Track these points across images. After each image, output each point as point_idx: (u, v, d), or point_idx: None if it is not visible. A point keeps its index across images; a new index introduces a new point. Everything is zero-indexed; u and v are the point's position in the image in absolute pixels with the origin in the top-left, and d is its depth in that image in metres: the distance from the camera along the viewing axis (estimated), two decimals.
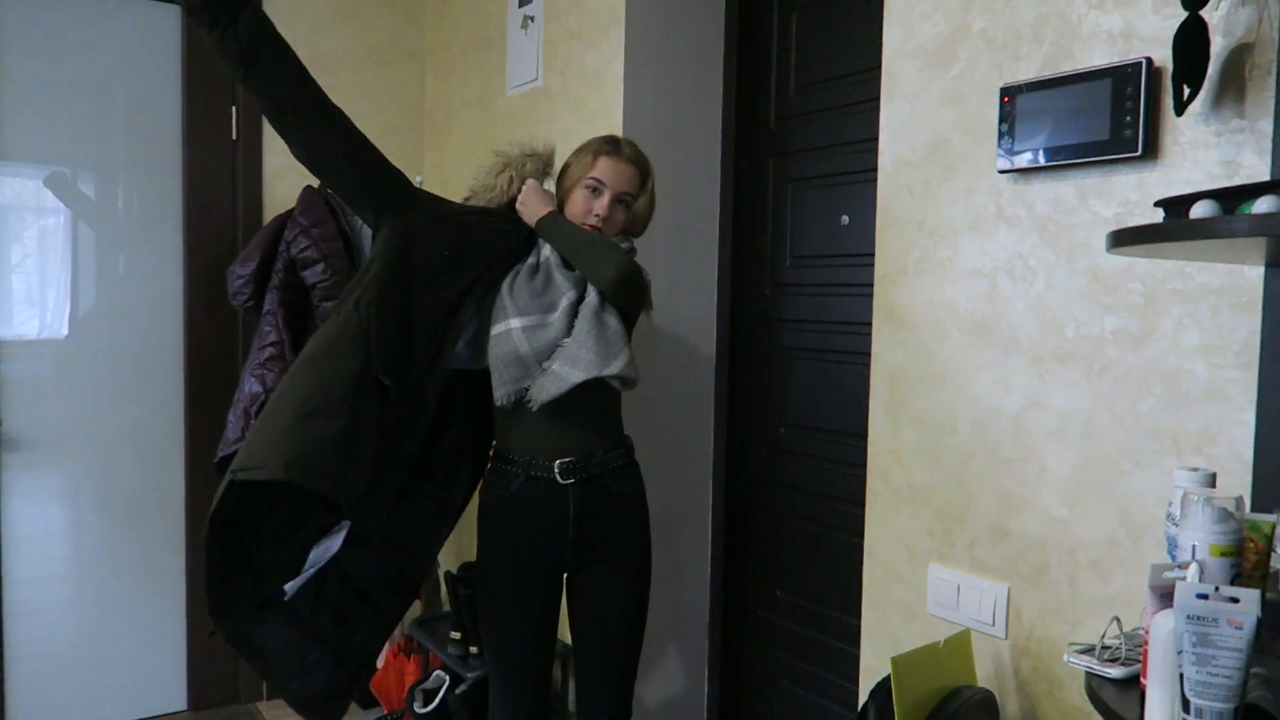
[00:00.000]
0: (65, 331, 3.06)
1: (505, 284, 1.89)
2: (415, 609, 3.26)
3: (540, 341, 1.82)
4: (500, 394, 1.84)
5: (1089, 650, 1.18)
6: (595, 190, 1.91)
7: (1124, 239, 1.06)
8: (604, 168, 1.92)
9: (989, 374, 1.68)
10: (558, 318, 1.85)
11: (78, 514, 3.09)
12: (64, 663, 3.05)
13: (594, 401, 1.89)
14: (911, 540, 1.83)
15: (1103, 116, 1.46)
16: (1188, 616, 0.88)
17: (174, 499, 3.19)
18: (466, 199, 2.06)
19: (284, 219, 2.83)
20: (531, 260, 1.92)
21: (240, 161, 3.21)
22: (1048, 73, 1.56)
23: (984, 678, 1.66)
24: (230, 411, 2.70)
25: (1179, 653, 0.88)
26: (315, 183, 2.95)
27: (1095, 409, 1.52)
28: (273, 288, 2.74)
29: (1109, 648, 1.16)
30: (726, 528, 2.72)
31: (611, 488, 1.94)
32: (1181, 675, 0.88)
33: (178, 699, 3.24)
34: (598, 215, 1.89)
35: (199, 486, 3.17)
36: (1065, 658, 1.19)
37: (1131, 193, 1.46)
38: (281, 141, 3.30)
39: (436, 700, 2.69)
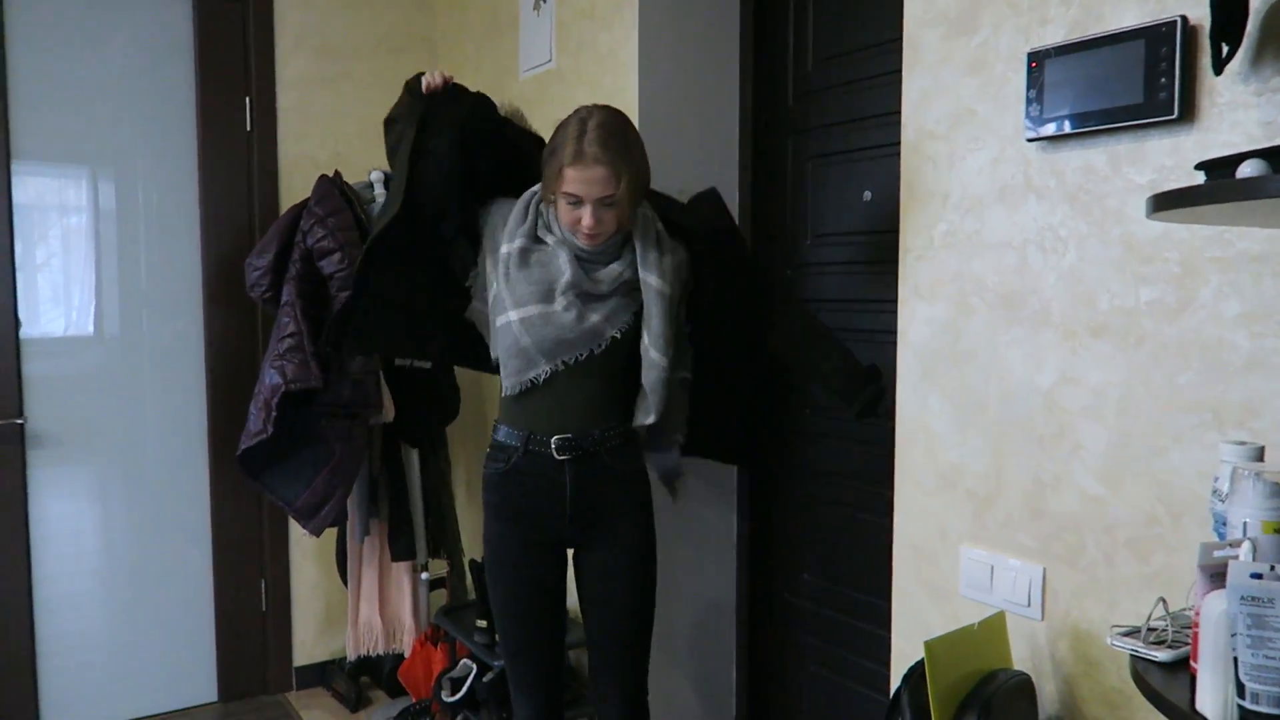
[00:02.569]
0: (90, 329, 3.06)
1: (500, 272, 1.86)
2: (441, 598, 3.26)
3: (543, 334, 1.83)
4: (508, 384, 1.88)
5: (1133, 632, 1.14)
6: (575, 203, 1.79)
7: (1167, 202, 1.01)
8: (573, 180, 1.76)
9: (1020, 349, 1.63)
10: (559, 306, 1.84)
11: (104, 509, 3.10)
12: (95, 656, 3.07)
13: (598, 383, 1.90)
14: (942, 521, 1.79)
15: (1135, 79, 1.41)
16: (1241, 597, 0.84)
17: (199, 492, 3.20)
18: None
19: (300, 209, 2.81)
20: (521, 243, 1.86)
21: (255, 152, 3.20)
22: (1076, 35, 1.51)
23: (1019, 660, 1.62)
24: (251, 403, 2.69)
25: (1232, 635, 0.84)
26: (330, 171, 2.93)
27: (1131, 383, 1.47)
28: (290, 278, 2.72)
29: (1154, 629, 1.12)
30: (752, 511, 2.69)
31: (609, 465, 1.93)
32: (1236, 659, 0.84)
33: (208, 690, 3.26)
34: (587, 229, 1.79)
35: (222, 479, 3.18)
36: (1108, 640, 1.15)
37: (1166, 158, 1.41)
38: (296, 131, 3.31)
39: (464, 689, 2.69)
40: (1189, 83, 1.37)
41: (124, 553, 3.12)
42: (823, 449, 2.43)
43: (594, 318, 1.86)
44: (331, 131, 3.32)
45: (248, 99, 3.18)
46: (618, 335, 1.88)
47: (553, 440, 1.88)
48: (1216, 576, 0.93)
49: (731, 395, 2.11)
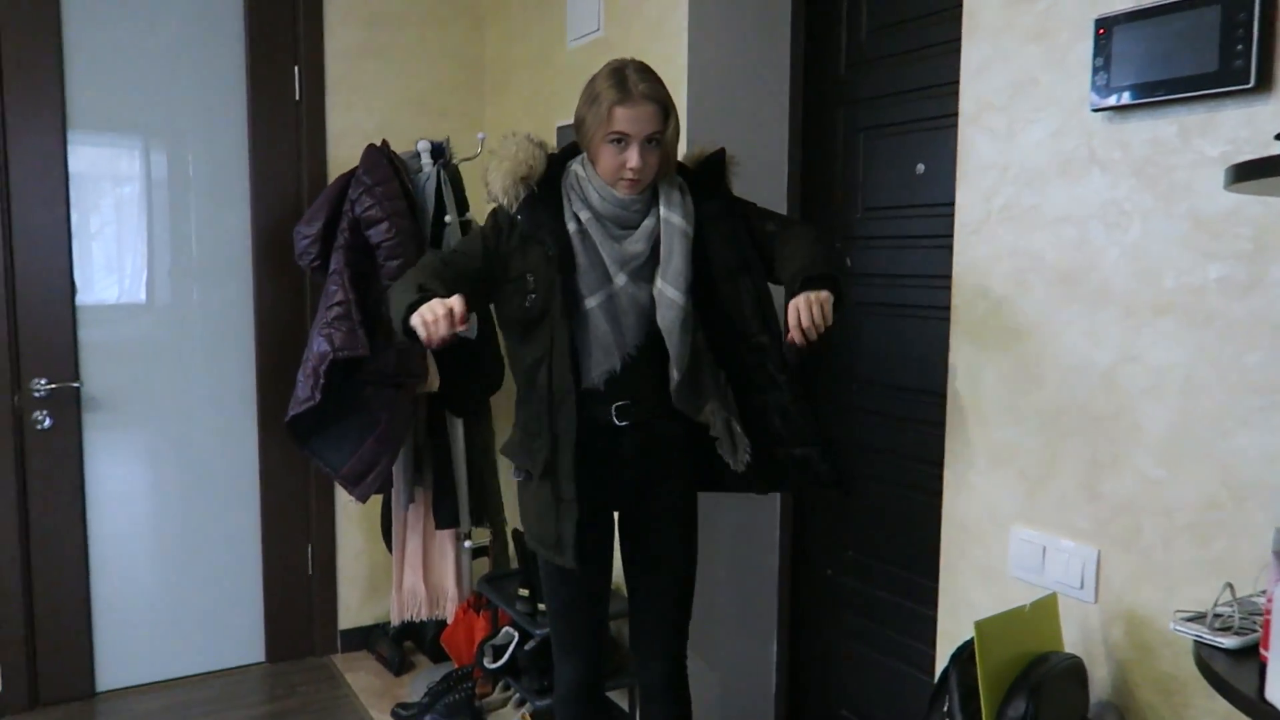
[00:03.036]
0: (143, 297, 3.11)
1: (579, 251, 1.83)
2: (484, 566, 3.28)
3: (610, 326, 1.84)
4: (594, 376, 1.85)
5: (1197, 618, 1.11)
6: (620, 142, 1.77)
7: (1248, 172, 0.97)
8: (622, 118, 1.75)
9: (1078, 327, 1.59)
10: (618, 290, 1.83)
11: (157, 472, 3.16)
12: (147, 615, 3.15)
13: (654, 355, 1.88)
14: (993, 501, 1.76)
15: (1210, 46, 1.35)
16: None
17: (248, 457, 3.25)
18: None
19: (348, 178, 2.82)
20: (574, 226, 1.83)
21: (304, 122, 3.21)
22: (1148, 1, 1.45)
23: (1070, 643, 1.59)
24: (300, 370, 2.72)
25: None
26: (378, 141, 2.94)
27: (1196, 363, 1.43)
28: (338, 247, 2.74)
29: (1220, 615, 1.09)
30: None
31: (662, 431, 1.93)
32: None
33: (256, 651, 3.33)
34: (632, 169, 1.77)
35: (271, 445, 3.22)
36: (1171, 625, 1.13)
37: (1241, 129, 1.36)
38: (344, 100, 3.31)
39: (506, 656, 2.71)
40: (1267, 50, 1.31)
41: (175, 515, 3.19)
42: (867, 424, 2.40)
43: (644, 296, 1.85)
44: (379, 101, 3.32)
45: (296, 69, 3.19)
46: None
47: (612, 407, 1.88)
48: None
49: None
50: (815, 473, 1.91)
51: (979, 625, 1.37)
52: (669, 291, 1.82)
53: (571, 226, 1.84)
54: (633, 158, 1.77)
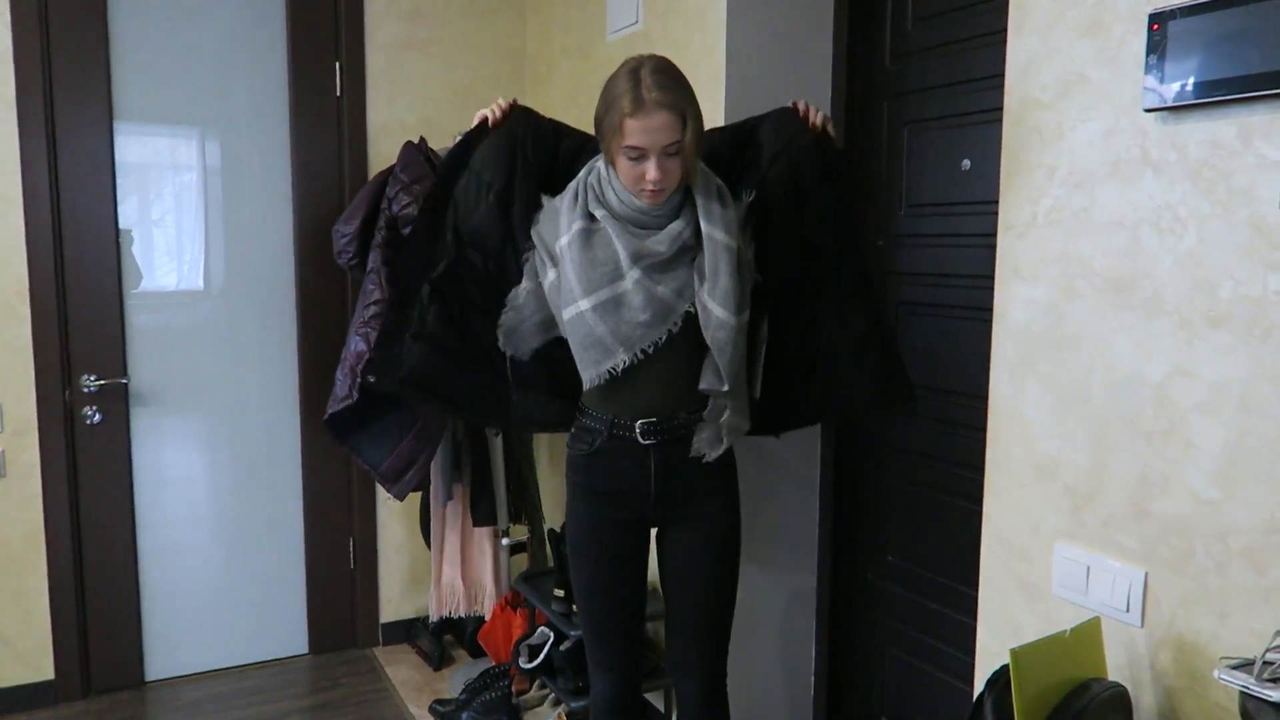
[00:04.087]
0: (200, 284, 3.15)
1: (565, 262, 1.78)
2: (522, 563, 3.28)
3: (616, 321, 1.76)
4: (587, 377, 1.81)
5: (1245, 665, 1.04)
6: (638, 158, 1.70)
7: None
8: (635, 131, 1.67)
9: (1128, 337, 1.51)
10: (629, 283, 1.75)
11: (203, 466, 3.21)
12: (194, 605, 3.20)
13: (679, 362, 1.82)
14: (1036, 516, 1.69)
15: (1274, 42, 1.27)
16: None
17: (292, 451, 3.28)
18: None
19: (386, 175, 2.82)
20: (580, 224, 1.77)
21: (345, 117, 3.22)
22: None
23: (1115, 668, 1.52)
24: (339, 368, 2.73)
25: None
26: (416, 138, 2.93)
27: (1255, 379, 1.34)
28: (376, 245, 2.74)
29: (1271, 664, 1.02)
30: (836, 490, 2.62)
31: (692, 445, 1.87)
32: None
33: (300, 643, 3.37)
34: (652, 182, 1.71)
35: (313, 439, 3.25)
36: (1215, 674, 1.06)
37: None
38: (385, 95, 3.31)
39: (541, 656, 2.70)
40: None
41: (221, 507, 3.23)
42: (912, 428, 2.33)
43: (662, 291, 1.76)
44: (420, 96, 3.31)
45: (338, 64, 3.20)
46: (691, 309, 1.79)
47: (637, 424, 1.84)
48: None
49: (846, 331, 1.95)
50: (894, 385, 1.95)
51: (1015, 653, 1.31)
52: (718, 311, 1.75)
53: (599, 214, 1.79)
54: (651, 170, 1.70)
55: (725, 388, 1.80)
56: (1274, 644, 1.06)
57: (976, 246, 2.11)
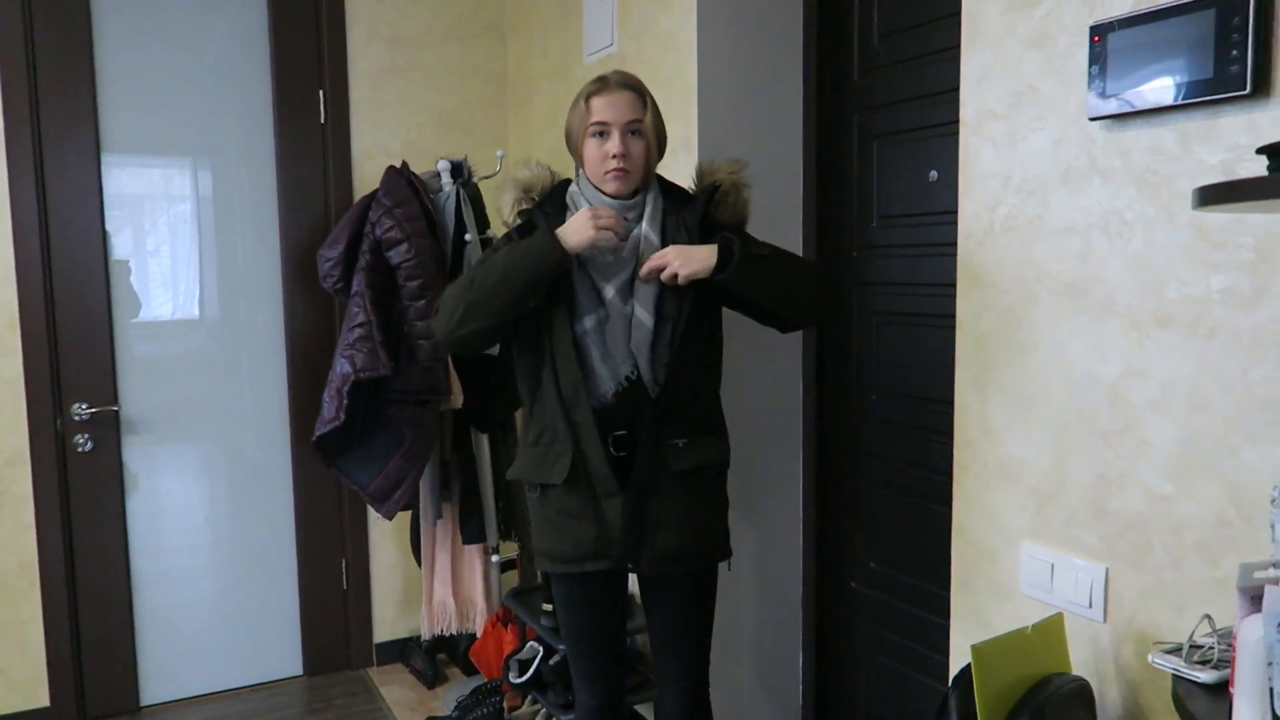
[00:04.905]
0: (196, 313, 3.20)
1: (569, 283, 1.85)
2: (513, 579, 3.31)
3: (603, 349, 1.83)
4: (592, 401, 1.83)
5: (1176, 650, 1.08)
6: (602, 134, 1.83)
7: (1212, 196, 0.94)
8: (599, 107, 1.83)
9: (1083, 340, 1.55)
10: (612, 303, 1.83)
11: (195, 491, 3.24)
12: (189, 631, 3.22)
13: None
14: (1002, 517, 1.72)
15: (1206, 51, 1.31)
16: (1279, 625, 0.78)
17: (283, 475, 3.31)
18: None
19: (369, 200, 2.86)
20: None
21: (330, 144, 3.27)
22: (1144, 6, 1.41)
23: (1080, 663, 1.55)
24: (325, 391, 2.77)
25: (1269, 665, 0.78)
26: (398, 163, 2.98)
27: (1201, 377, 1.38)
28: (360, 269, 2.78)
29: (1199, 647, 1.05)
30: (818, 498, 2.65)
31: (667, 462, 1.88)
32: (1272, 690, 0.78)
33: (294, 665, 3.39)
34: (616, 156, 1.81)
35: (304, 463, 3.28)
36: (1150, 658, 1.09)
37: (1241, 136, 1.31)
38: (369, 121, 3.36)
39: (530, 670, 2.72)
40: (1264, 55, 1.27)
41: (214, 532, 3.26)
42: (891, 436, 2.37)
43: (636, 310, 1.83)
44: (403, 121, 3.37)
45: (321, 92, 3.25)
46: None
47: (610, 438, 1.86)
48: (1257, 599, 0.87)
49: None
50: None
51: (976, 650, 1.35)
52: (638, 311, 1.82)
53: None
54: (614, 145, 1.80)
55: (651, 396, 1.84)
56: (1201, 629, 1.09)
57: (945, 255, 2.15)
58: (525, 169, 1.97)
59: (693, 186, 1.97)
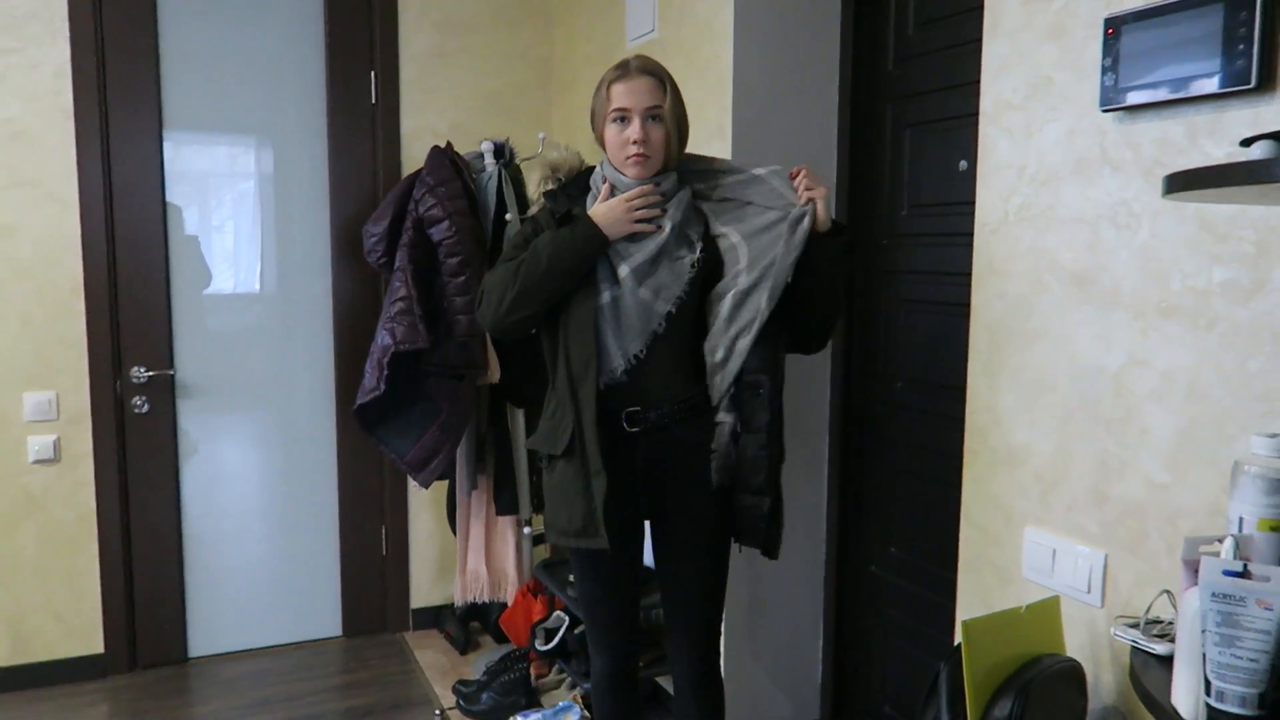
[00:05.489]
0: (257, 288, 3.34)
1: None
2: (544, 552, 3.40)
3: (616, 326, 1.90)
4: (603, 377, 1.90)
5: (1136, 625, 1.11)
6: (622, 119, 1.88)
7: (1181, 183, 0.97)
8: (620, 93, 1.87)
9: (1090, 329, 1.57)
10: (626, 287, 1.89)
11: (244, 454, 3.38)
12: (235, 589, 3.37)
13: (661, 354, 1.91)
14: (1008, 502, 1.75)
15: (1214, 46, 1.33)
16: (1213, 594, 0.81)
17: (328, 443, 3.44)
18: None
19: (413, 178, 2.95)
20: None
21: (379, 124, 3.37)
22: (1155, 0, 1.42)
23: (1076, 647, 1.58)
24: (367, 361, 2.87)
25: (1203, 632, 0.82)
26: (443, 143, 3.07)
27: (1201, 367, 1.40)
28: (403, 245, 2.88)
29: (1158, 622, 1.09)
30: (842, 484, 2.68)
31: (681, 437, 1.93)
32: (1205, 656, 0.82)
33: (334, 626, 3.52)
34: (636, 142, 1.86)
35: (348, 431, 3.40)
36: (1111, 630, 1.12)
37: (1246, 129, 1.32)
38: (417, 102, 3.45)
39: (556, 639, 2.81)
40: (1270, 50, 1.28)
41: (261, 495, 3.40)
42: (914, 423, 2.40)
43: (645, 294, 1.88)
44: (450, 103, 3.45)
45: (372, 73, 3.35)
46: (673, 310, 1.89)
47: (622, 414, 1.93)
48: (1198, 572, 0.90)
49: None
50: (754, 527, 1.95)
51: (966, 625, 1.39)
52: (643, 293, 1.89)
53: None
54: (634, 131, 1.85)
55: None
56: (1158, 603, 1.12)
57: (969, 245, 2.16)
58: (555, 150, 2.04)
59: None
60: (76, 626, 3.13)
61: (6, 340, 2.98)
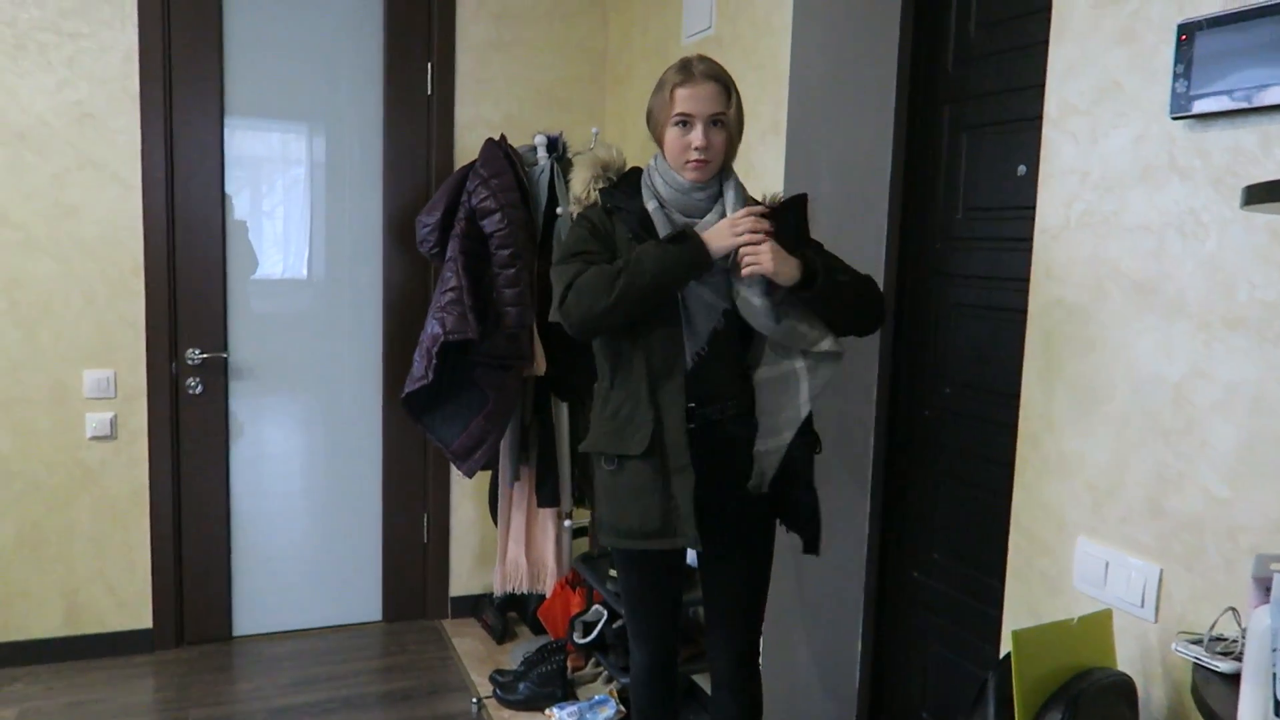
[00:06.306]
0: (304, 273, 3.39)
1: None
2: (584, 545, 3.41)
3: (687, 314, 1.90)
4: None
5: (1199, 641, 1.09)
6: (685, 124, 1.85)
7: (1262, 194, 0.95)
8: (684, 98, 1.84)
9: (1151, 338, 1.55)
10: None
11: (292, 439, 3.44)
12: (280, 568, 3.43)
13: (723, 350, 1.91)
14: (1060, 511, 1.73)
15: None
16: None
17: (374, 430, 3.48)
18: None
19: (467, 170, 2.98)
20: (653, 206, 1.93)
21: (434, 115, 3.40)
22: (1233, 6, 1.40)
23: (1127, 660, 1.56)
24: (416, 350, 2.91)
25: (1274, 650, 0.80)
26: (497, 135, 3.09)
27: (1266, 381, 1.37)
28: (455, 235, 2.90)
29: (1223, 639, 1.07)
30: (886, 488, 2.66)
31: (733, 434, 1.93)
32: (1275, 675, 0.80)
33: (374, 610, 3.57)
34: (697, 149, 1.84)
35: (393, 419, 3.45)
36: (1173, 646, 1.11)
37: None
38: (472, 94, 3.48)
39: (594, 632, 2.83)
40: None
41: (307, 479, 3.46)
42: (960, 428, 2.37)
43: (706, 293, 1.88)
44: (504, 95, 3.48)
45: (429, 64, 3.38)
46: (729, 306, 1.89)
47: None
48: (1270, 589, 0.88)
49: None
50: (800, 520, 1.97)
51: (1016, 634, 1.37)
52: (750, 296, 1.86)
53: (650, 205, 1.92)
54: (697, 137, 1.84)
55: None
56: (1225, 621, 1.10)
57: (1027, 250, 2.14)
58: (605, 150, 2.06)
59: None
60: (127, 600, 3.21)
61: (70, 317, 3.05)
